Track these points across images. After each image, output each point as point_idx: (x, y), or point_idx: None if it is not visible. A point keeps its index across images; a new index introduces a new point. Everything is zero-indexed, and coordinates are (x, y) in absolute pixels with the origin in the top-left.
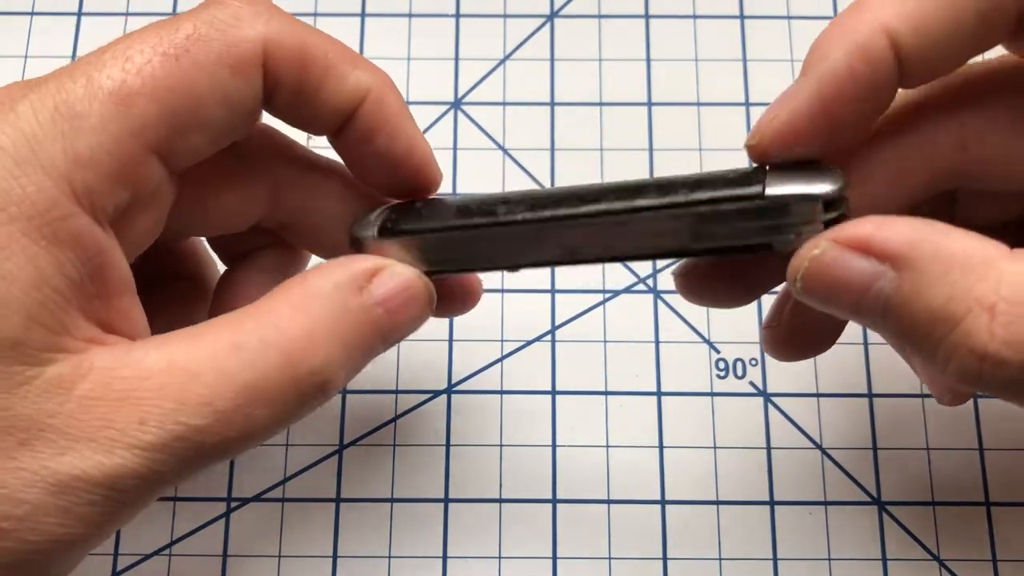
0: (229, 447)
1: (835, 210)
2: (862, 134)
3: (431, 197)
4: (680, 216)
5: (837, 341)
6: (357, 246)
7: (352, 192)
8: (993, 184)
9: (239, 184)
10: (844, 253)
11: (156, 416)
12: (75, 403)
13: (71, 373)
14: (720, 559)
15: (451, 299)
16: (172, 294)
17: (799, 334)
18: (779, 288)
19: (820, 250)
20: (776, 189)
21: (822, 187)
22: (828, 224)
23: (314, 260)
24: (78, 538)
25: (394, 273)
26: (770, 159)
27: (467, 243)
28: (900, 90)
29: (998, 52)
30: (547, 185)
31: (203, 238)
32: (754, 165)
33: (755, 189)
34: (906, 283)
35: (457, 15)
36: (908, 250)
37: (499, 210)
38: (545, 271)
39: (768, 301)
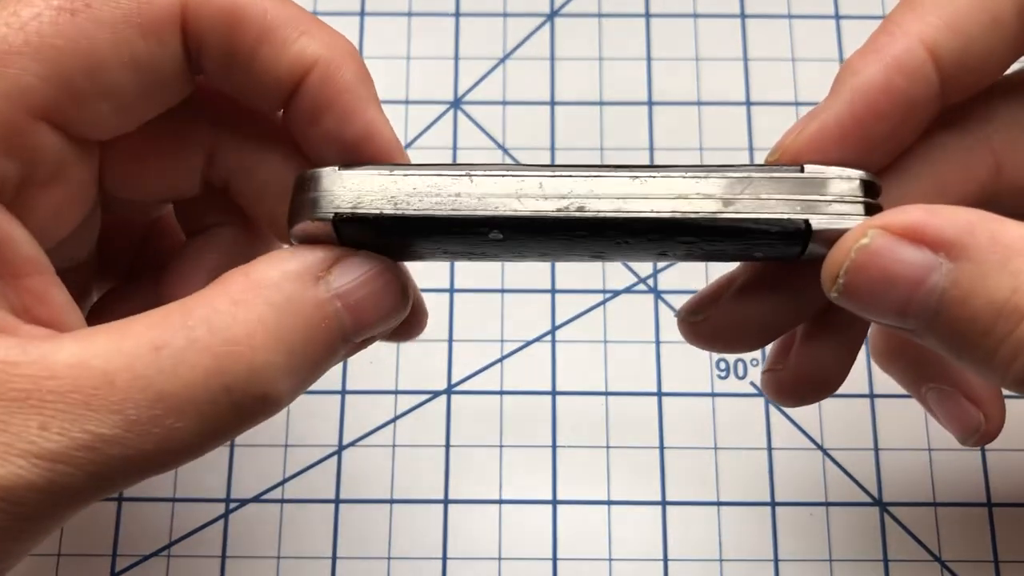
0: (149, 462)
1: (872, 195)
2: (893, 155)
3: None
4: (710, 177)
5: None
6: (302, 183)
7: (301, 165)
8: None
9: (166, 149)
10: (894, 241)
11: (59, 422)
12: None
13: None
14: (721, 560)
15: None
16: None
17: (808, 374)
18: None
19: (868, 238)
20: (815, 167)
21: (859, 170)
22: (868, 209)
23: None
24: None
25: (359, 262)
26: None
27: (450, 183)
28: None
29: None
30: None
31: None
32: None
33: (793, 167)
34: (964, 275)
35: (457, 14)
36: (965, 237)
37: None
38: (546, 271)
39: None
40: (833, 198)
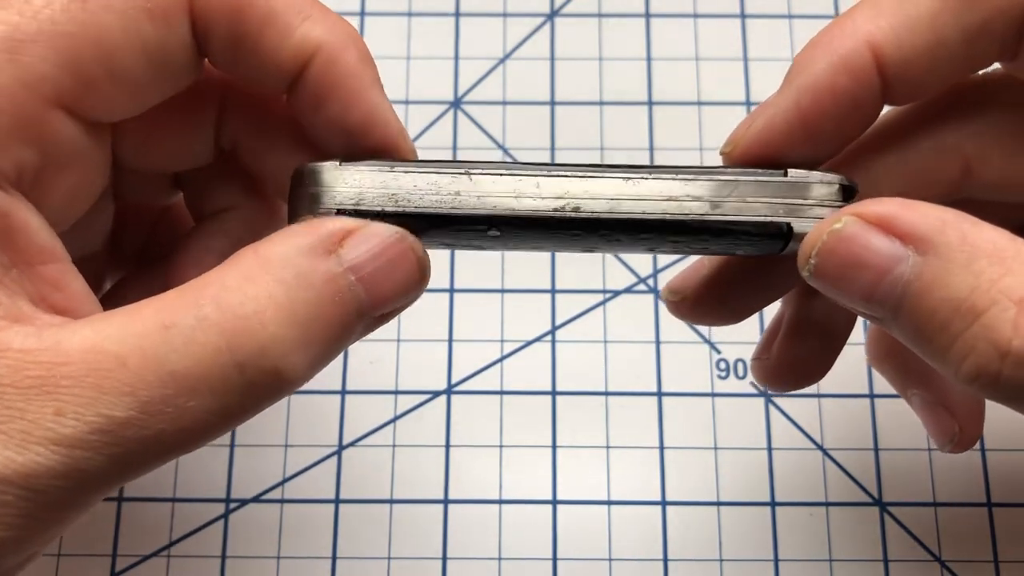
0: (165, 443)
1: (850, 198)
2: (842, 148)
3: None
4: (699, 180)
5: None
6: (301, 178)
7: (307, 147)
8: (996, 198)
9: (178, 117)
10: (866, 229)
11: (73, 407)
12: None
13: None
14: (721, 560)
15: None
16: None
17: (789, 366)
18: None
19: (841, 224)
20: (798, 172)
21: (838, 175)
22: None
23: None
24: (2, 540)
25: (371, 233)
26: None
27: (450, 182)
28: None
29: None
30: None
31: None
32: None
33: (778, 171)
34: (929, 269)
35: (457, 14)
36: (935, 234)
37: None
38: (546, 271)
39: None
40: (814, 202)
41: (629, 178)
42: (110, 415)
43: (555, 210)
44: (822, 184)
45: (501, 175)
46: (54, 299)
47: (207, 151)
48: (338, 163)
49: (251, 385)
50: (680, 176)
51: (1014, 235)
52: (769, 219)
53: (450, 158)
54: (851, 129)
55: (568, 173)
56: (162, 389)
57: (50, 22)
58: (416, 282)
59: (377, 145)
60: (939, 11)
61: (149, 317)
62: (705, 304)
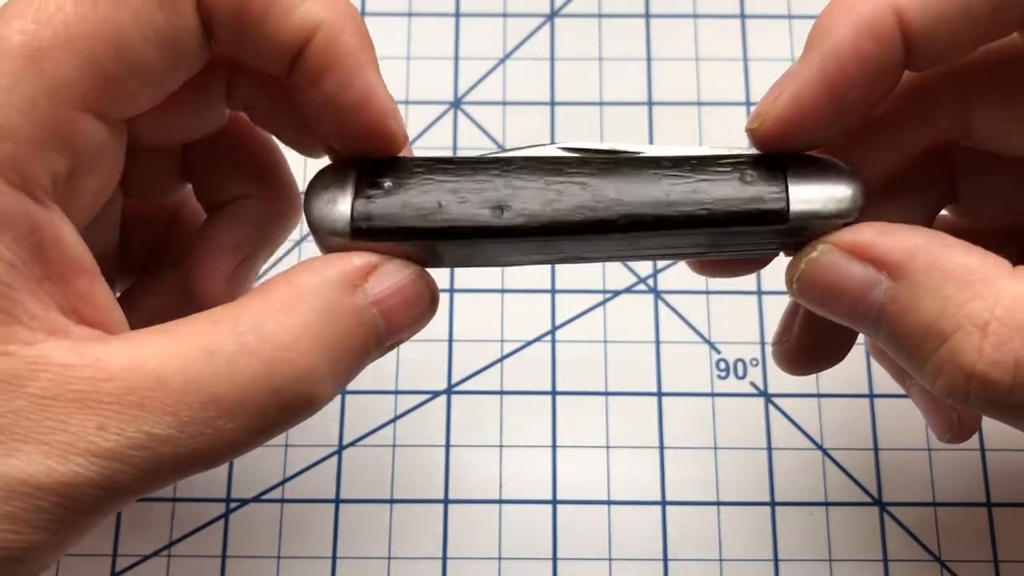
0: (198, 460)
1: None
2: (862, 119)
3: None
4: (698, 232)
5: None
6: (323, 236)
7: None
8: (995, 149)
9: (189, 89)
10: (841, 258)
11: (116, 422)
12: (26, 401)
13: (23, 368)
14: (721, 560)
15: None
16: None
17: (809, 348)
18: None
19: (817, 253)
20: (799, 205)
21: (842, 203)
22: None
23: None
24: (34, 545)
25: (392, 270)
26: (771, 145)
27: (460, 246)
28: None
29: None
30: None
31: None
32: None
33: (778, 203)
34: (901, 295)
35: (457, 14)
36: (906, 260)
37: (502, 200)
38: (545, 271)
39: (769, 302)
40: (813, 234)
41: (627, 234)
42: (151, 432)
43: (556, 259)
44: (823, 220)
45: (505, 243)
46: (84, 312)
47: (220, 114)
48: (349, 238)
49: (285, 408)
50: (680, 231)
51: (987, 253)
52: (763, 253)
53: (455, 225)
54: (874, 98)
55: (568, 235)
56: (202, 411)
57: (64, 25)
58: (427, 314)
59: (370, 125)
60: None
61: (189, 339)
62: (715, 264)
